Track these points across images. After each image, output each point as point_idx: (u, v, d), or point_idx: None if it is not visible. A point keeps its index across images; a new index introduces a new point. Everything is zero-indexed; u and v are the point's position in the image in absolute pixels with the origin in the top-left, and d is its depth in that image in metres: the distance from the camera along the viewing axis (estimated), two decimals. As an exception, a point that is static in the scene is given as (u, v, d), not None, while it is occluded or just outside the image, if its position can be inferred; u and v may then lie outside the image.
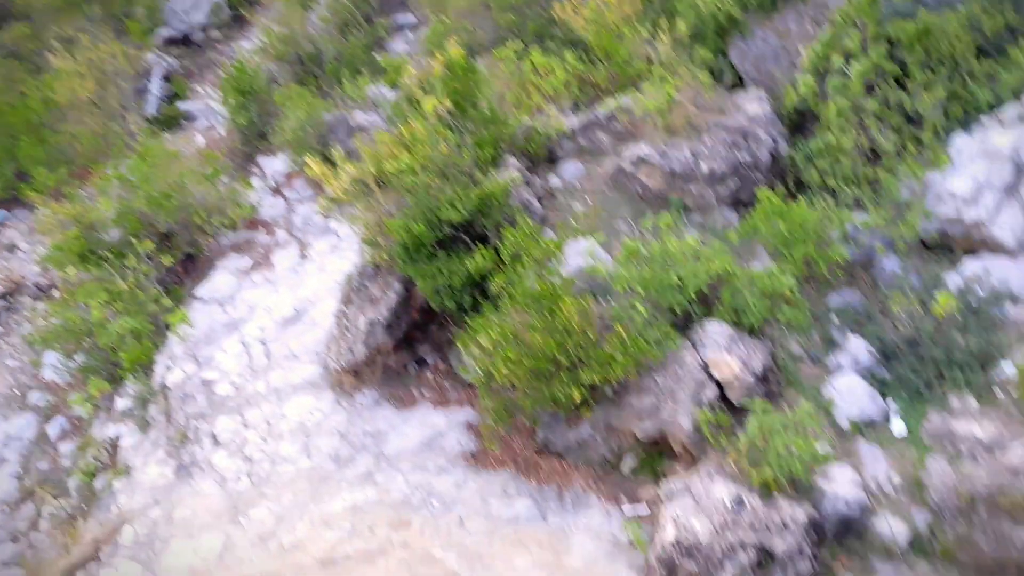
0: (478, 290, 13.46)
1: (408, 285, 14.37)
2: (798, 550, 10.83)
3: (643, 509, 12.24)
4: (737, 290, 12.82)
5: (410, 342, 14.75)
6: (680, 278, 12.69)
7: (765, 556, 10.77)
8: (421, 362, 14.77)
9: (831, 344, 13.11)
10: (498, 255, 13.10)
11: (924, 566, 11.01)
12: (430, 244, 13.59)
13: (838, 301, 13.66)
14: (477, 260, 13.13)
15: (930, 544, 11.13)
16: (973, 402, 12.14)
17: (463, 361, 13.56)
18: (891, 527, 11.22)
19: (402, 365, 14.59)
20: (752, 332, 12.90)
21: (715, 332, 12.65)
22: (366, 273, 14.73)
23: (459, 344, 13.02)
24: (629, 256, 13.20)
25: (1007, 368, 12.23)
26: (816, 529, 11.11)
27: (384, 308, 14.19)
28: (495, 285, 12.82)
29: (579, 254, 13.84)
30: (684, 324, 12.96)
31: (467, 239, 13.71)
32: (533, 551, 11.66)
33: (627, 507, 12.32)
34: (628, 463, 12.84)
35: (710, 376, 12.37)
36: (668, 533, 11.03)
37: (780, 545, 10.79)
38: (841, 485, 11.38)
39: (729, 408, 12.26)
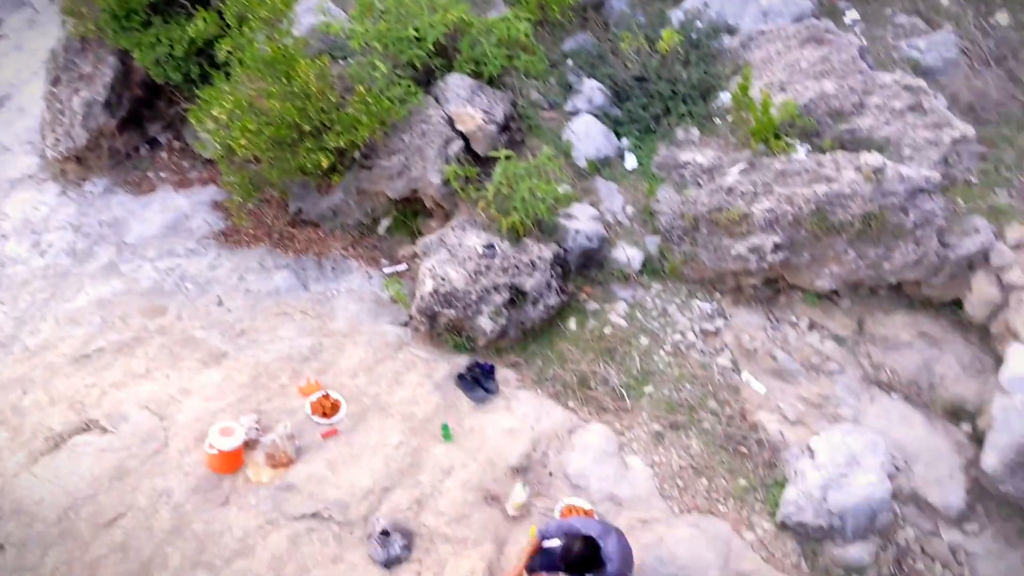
0: (205, 58, 12.50)
1: (124, 58, 13.08)
2: (546, 285, 11.63)
3: (402, 267, 12.55)
4: (475, 40, 12.71)
5: (138, 121, 13.67)
6: (417, 30, 12.37)
7: (517, 294, 11.50)
8: (154, 143, 13.80)
9: (568, 88, 13.48)
10: (222, 18, 12.11)
11: (656, 285, 12.21)
12: (142, 10, 12.32)
13: (572, 44, 13.93)
14: (198, 24, 12.09)
15: (660, 265, 12.31)
16: (696, 132, 13.08)
17: (199, 137, 12.80)
18: (627, 254, 12.24)
19: (132, 147, 13.58)
20: (492, 82, 12.97)
21: (456, 85, 12.61)
22: (72, 48, 13.21)
23: (192, 119, 12.22)
24: (364, 10, 12.63)
25: (724, 97, 13.18)
26: (561, 264, 11.92)
27: (100, 86, 12.92)
28: (222, 51, 11.92)
29: (311, 11, 13.08)
30: (426, 79, 12.81)
31: (185, 1, 12.52)
32: (297, 320, 11.77)
33: (387, 267, 12.58)
34: (384, 225, 12.98)
35: (455, 130, 12.46)
36: (426, 285, 11.44)
37: (529, 282, 11.53)
38: (582, 221, 12.15)
39: (475, 160, 12.51)
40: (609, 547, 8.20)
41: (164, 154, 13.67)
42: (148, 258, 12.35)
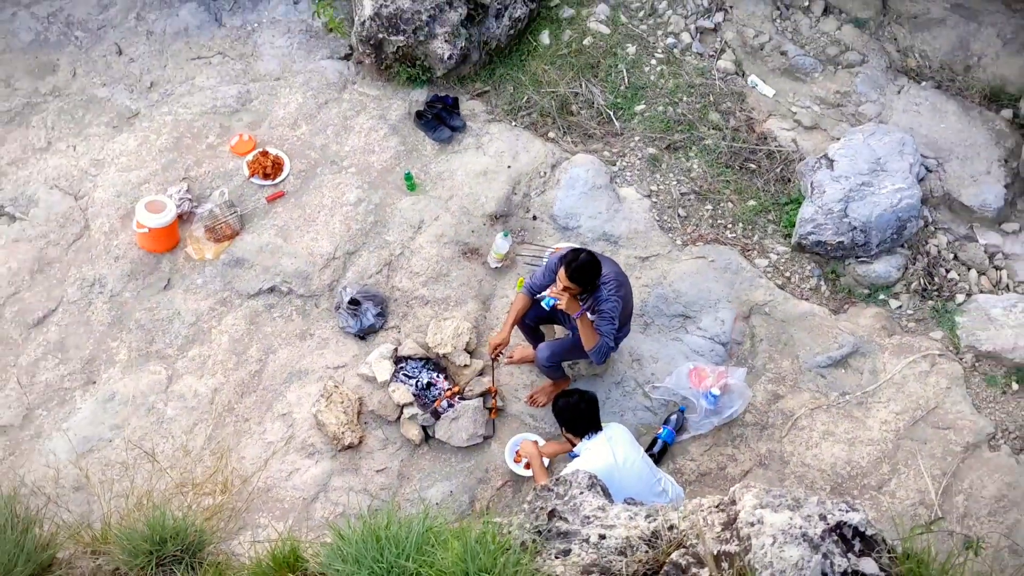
0: None
1: None
2: (509, -9, 9.65)
3: None
4: None
5: None
6: None
7: (476, 7, 9.57)
8: None
9: None
10: None
11: None
12: None
13: None
14: None
15: (644, -48, 10.19)
16: None
17: None
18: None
19: None
20: None
21: None
22: None
23: None
24: None
25: None
26: None
27: None
28: None
29: None
30: None
31: None
32: (216, 64, 9.87)
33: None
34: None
35: None
36: (366, 7, 9.49)
37: (489, -10, 9.51)
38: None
39: None
40: (606, 266, 7.24)
41: None
42: (21, 3, 10.17)
